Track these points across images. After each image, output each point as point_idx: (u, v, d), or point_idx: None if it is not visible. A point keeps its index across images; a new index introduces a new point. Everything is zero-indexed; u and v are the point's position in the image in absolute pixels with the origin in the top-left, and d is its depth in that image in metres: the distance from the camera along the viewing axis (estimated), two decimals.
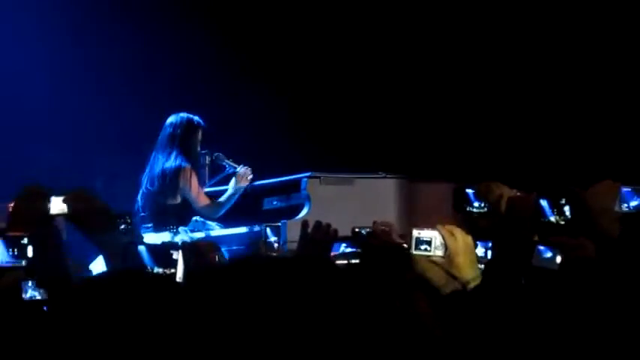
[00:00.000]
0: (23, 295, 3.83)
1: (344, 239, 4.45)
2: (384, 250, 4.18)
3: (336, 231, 4.41)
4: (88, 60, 10.17)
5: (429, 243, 4.10)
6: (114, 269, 3.98)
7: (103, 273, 1.85)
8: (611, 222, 3.87)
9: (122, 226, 6.66)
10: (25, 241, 3.98)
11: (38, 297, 3.93)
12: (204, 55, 10.34)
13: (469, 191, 4.41)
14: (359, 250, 4.45)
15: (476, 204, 4.39)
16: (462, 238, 3.87)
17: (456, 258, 3.72)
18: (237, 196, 8.25)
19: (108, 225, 4.20)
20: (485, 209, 4.37)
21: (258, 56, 10.39)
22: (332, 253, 4.41)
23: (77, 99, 10.02)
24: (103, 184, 9.58)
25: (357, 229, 4.67)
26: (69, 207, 4.18)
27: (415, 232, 4.13)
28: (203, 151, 8.40)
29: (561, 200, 4.00)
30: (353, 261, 4.34)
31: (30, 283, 3.92)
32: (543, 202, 4.03)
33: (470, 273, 3.68)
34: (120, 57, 10.25)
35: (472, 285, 3.60)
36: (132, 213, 7.55)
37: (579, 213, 3.85)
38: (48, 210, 4.18)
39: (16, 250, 3.97)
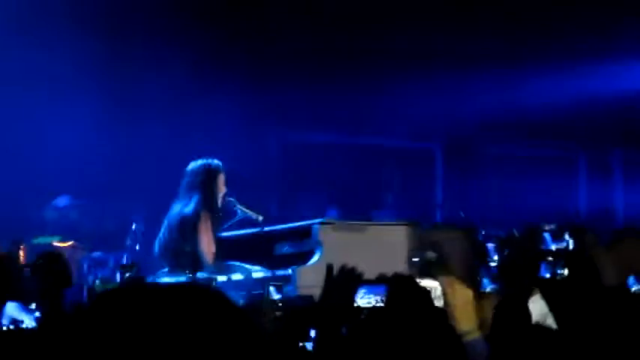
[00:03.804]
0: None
1: (368, 283, 4.40)
2: (411, 293, 4.09)
3: (361, 274, 4.29)
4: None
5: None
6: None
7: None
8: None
9: (127, 274, 6.63)
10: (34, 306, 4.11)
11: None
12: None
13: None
14: (382, 294, 4.31)
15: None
16: (460, 292, 3.94)
17: (454, 310, 3.79)
18: None
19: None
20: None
21: None
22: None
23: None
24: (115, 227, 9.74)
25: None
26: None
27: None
28: (229, 197, 8.41)
29: (565, 233, 4.28)
30: (378, 304, 4.33)
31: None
32: (546, 235, 4.31)
33: (466, 325, 3.71)
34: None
35: (468, 338, 3.62)
36: (137, 263, 7.84)
37: (579, 247, 3.99)
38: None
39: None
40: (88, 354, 1.52)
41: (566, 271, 4.20)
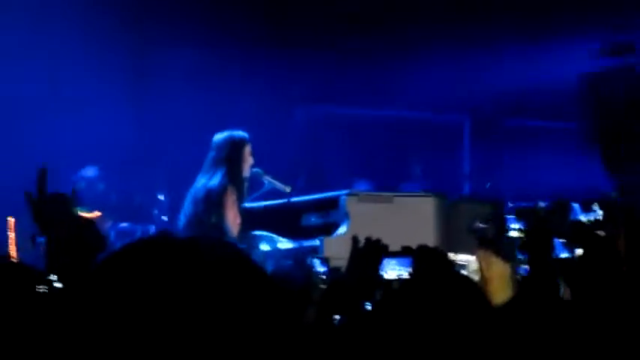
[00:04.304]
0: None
1: (393, 255, 4.38)
2: (437, 265, 4.16)
3: (386, 246, 4.33)
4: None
5: (463, 267, 4.49)
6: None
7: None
8: None
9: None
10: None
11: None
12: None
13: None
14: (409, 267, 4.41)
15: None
16: (497, 266, 4.02)
17: (489, 284, 3.88)
18: None
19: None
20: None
21: None
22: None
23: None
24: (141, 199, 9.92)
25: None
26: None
27: (451, 256, 4.44)
28: (256, 169, 8.42)
29: (593, 204, 4.34)
30: (404, 275, 4.32)
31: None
32: (575, 205, 4.41)
33: (501, 298, 3.71)
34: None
35: None
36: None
37: (610, 215, 4.01)
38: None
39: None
40: (110, 302, 1.52)
41: (580, 251, 4.16)
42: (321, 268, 5.76)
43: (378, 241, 4.33)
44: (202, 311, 1.50)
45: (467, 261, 4.48)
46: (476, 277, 4.08)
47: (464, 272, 4.39)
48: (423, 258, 4.29)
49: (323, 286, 5.19)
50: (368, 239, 4.35)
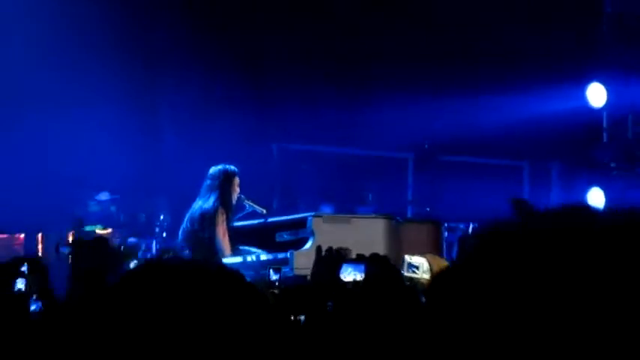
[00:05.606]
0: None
1: (350, 261, 4.75)
2: (384, 269, 4.43)
3: (345, 254, 4.90)
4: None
5: (417, 267, 4.79)
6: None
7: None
8: None
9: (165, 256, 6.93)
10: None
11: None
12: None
13: None
14: (363, 272, 4.65)
15: None
16: (442, 263, 4.51)
17: None
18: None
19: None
20: None
21: None
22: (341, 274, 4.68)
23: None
24: (145, 219, 10.66)
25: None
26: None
27: (407, 258, 4.93)
28: (239, 194, 9.00)
29: None
30: (358, 278, 4.62)
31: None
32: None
33: None
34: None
35: None
36: (174, 248, 8.46)
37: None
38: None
39: None
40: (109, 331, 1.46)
41: None
42: (274, 277, 6.08)
43: (338, 250, 4.89)
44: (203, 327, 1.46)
45: (419, 262, 4.60)
46: (427, 275, 4.51)
47: (417, 271, 4.58)
48: (374, 263, 4.53)
49: (275, 291, 5.50)
50: (329, 248, 4.84)
